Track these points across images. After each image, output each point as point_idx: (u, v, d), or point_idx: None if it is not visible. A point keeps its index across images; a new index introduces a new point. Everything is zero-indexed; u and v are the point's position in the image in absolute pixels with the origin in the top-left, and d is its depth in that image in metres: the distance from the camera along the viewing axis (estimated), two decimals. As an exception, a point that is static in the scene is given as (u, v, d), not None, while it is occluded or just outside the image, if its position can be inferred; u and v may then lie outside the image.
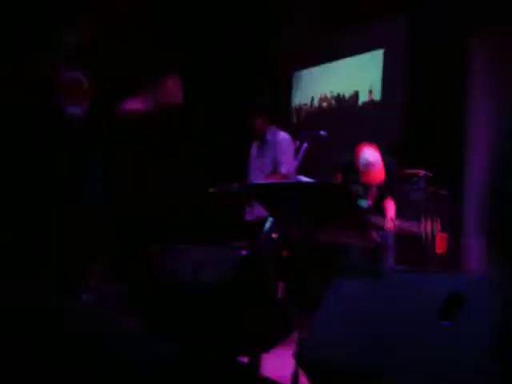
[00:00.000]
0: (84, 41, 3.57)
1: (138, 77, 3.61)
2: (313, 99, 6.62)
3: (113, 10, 3.78)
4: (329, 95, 6.44)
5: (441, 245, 4.80)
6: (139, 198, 5.13)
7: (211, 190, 4.17)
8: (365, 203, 4.46)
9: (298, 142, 4.26)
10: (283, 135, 4.60)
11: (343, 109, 6.31)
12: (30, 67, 3.50)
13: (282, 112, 6.06)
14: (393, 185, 4.51)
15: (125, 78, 3.68)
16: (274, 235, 3.66)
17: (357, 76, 6.19)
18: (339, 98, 6.34)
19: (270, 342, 2.93)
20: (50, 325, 2.23)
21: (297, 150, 3.93)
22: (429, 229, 4.66)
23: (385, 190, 4.47)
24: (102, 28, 3.65)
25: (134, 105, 3.55)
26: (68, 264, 3.39)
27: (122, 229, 4.63)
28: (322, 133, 3.96)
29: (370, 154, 4.37)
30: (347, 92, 6.29)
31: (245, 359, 2.81)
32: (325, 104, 6.48)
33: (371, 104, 6.11)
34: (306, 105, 6.67)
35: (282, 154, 4.48)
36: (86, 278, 3.46)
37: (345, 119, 6.19)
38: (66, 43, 3.56)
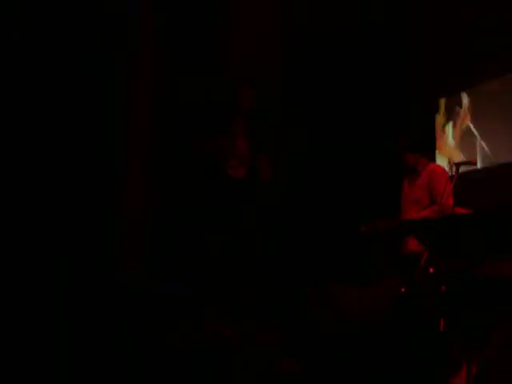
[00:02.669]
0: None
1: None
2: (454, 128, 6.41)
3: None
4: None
5: None
6: (289, 238, 5.25)
7: (364, 229, 4.16)
8: None
9: (449, 171, 4.17)
10: (435, 166, 4.54)
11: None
12: (214, 140, 4.56)
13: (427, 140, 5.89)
14: None
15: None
16: (430, 270, 3.58)
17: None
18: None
19: (436, 379, 2.87)
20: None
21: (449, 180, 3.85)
22: None
23: None
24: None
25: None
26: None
27: (273, 269, 4.79)
28: (472, 161, 3.86)
29: None
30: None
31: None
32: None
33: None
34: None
35: (436, 185, 4.39)
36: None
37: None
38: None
